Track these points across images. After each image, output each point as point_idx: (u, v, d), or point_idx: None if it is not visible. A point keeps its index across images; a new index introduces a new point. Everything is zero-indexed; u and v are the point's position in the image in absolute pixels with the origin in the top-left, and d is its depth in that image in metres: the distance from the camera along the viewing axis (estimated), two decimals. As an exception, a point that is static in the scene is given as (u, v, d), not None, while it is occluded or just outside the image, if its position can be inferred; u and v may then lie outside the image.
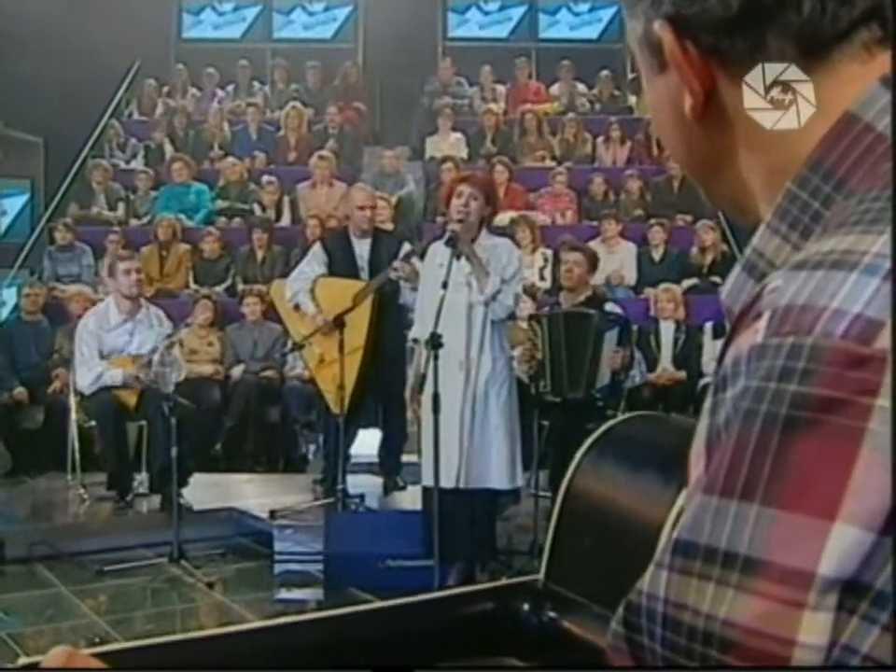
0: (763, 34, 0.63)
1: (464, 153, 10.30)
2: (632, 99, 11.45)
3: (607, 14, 12.96)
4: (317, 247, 6.22)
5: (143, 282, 6.18)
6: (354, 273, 6.01)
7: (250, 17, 13.01)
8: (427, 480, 4.45)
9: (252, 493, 6.60)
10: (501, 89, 11.68)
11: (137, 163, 10.46)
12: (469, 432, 4.64)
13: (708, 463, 0.56)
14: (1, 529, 5.84)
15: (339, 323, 5.58)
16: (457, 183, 4.84)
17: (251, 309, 7.64)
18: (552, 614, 0.88)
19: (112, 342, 6.09)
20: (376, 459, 6.39)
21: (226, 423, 7.33)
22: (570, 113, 11.00)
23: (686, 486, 0.64)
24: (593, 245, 8.48)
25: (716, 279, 8.21)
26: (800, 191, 0.62)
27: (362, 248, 6.07)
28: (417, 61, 11.91)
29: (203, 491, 6.18)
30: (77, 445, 6.51)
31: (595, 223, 9.15)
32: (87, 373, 6.06)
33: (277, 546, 5.37)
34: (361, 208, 6.09)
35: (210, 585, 5.04)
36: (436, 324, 4.22)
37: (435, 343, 4.21)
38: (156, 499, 6.04)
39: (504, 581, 0.99)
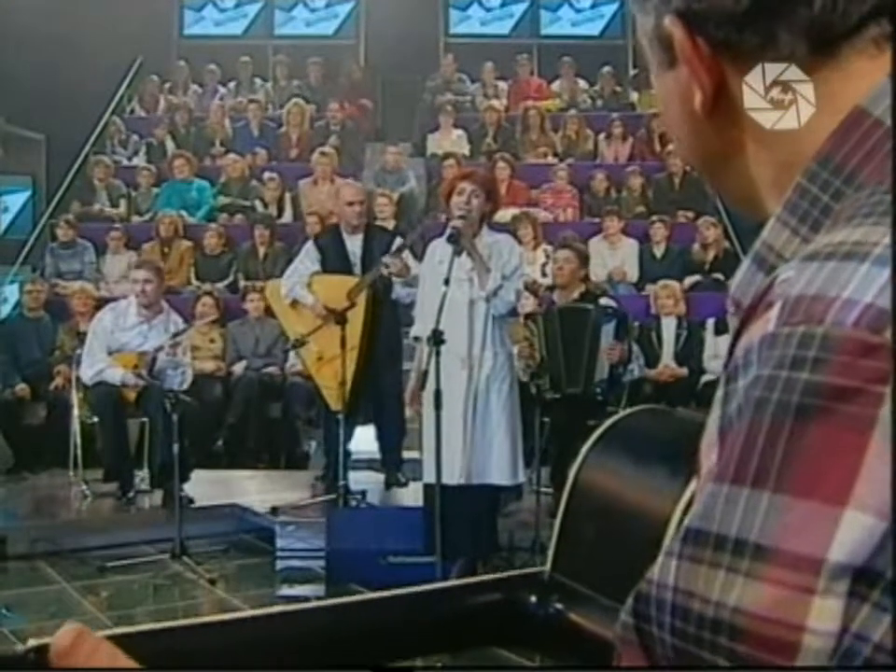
0: (774, 29, 0.63)
1: (466, 150, 10.30)
2: (634, 95, 11.45)
3: (608, 10, 12.96)
4: (310, 245, 6.23)
5: (157, 290, 6.19)
6: (346, 269, 6.03)
7: (252, 13, 13.01)
8: (430, 477, 4.45)
9: (254, 489, 6.61)
10: (503, 85, 11.68)
11: (139, 160, 10.46)
12: (470, 428, 4.64)
13: (721, 452, 0.56)
14: (3, 526, 5.85)
15: (340, 319, 5.58)
16: (458, 180, 4.84)
17: (254, 305, 7.64)
18: (558, 606, 0.88)
19: (124, 340, 6.12)
20: (378, 456, 6.40)
21: (228, 419, 7.34)
22: (572, 109, 11.00)
23: (693, 479, 0.64)
24: (594, 241, 8.53)
25: (718, 276, 8.21)
26: (810, 185, 0.62)
27: (354, 244, 6.08)
28: (419, 57, 11.90)
29: (204, 487, 6.19)
30: (79, 442, 6.51)
31: (596, 220, 9.15)
32: (90, 367, 6.11)
33: (279, 542, 5.37)
34: (350, 204, 6.11)
35: (212, 582, 5.04)
36: (437, 321, 4.22)
37: (437, 339, 4.21)
38: (158, 496, 6.05)
39: (510, 573, 0.99)
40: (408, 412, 6.33)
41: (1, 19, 9.86)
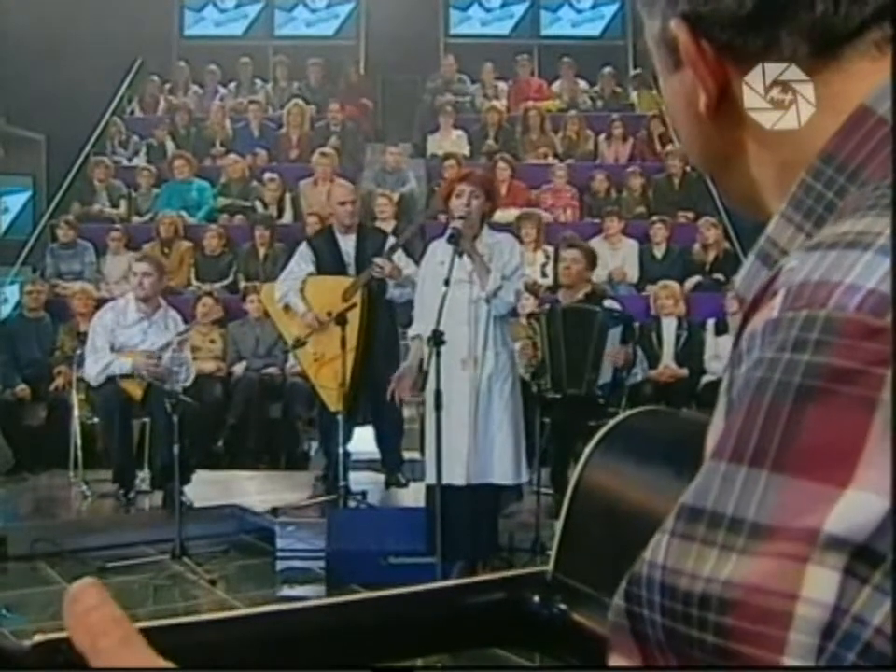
0: (777, 31, 0.65)
1: (466, 150, 10.31)
2: (634, 96, 11.46)
3: (609, 11, 12.97)
4: (304, 246, 6.23)
5: (156, 284, 6.19)
6: (341, 270, 6.04)
7: (252, 14, 13.02)
8: (432, 477, 4.44)
9: (254, 490, 6.61)
10: (503, 86, 11.69)
11: (139, 160, 10.46)
12: (472, 428, 4.65)
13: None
14: (3, 526, 5.85)
15: (341, 320, 5.58)
16: (457, 182, 4.84)
17: (254, 306, 7.64)
18: (562, 606, 0.88)
19: (125, 337, 6.12)
20: (378, 456, 6.40)
21: (228, 420, 7.34)
22: (572, 110, 11.00)
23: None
24: (595, 242, 8.51)
25: (718, 276, 8.21)
26: (814, 182, 0.63)
27: (347, 244, 6.09)
28: (419, 58, 11.91)
29: (205, 488, 6.19)
30: (79, 442, 6.52)
31: (597, 220, 9.15)
32: (95, 364, 6.07)
33: (279, 543, 5.37)
34: (342, 203, 6.12)
35: (212, 582, 5.04)
36: (438, 321, 4.22)
37: (437, 339, 4.21)
38: (158, 496, 6.05)
39: (512, 572, 0.99)
40: (406, 412, 6.34)
41: (1, 19, 9.87)
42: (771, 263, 0.64)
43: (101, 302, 7.27)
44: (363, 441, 6.30)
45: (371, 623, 0.88)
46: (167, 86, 11.74)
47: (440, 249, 4.75)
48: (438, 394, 4.23)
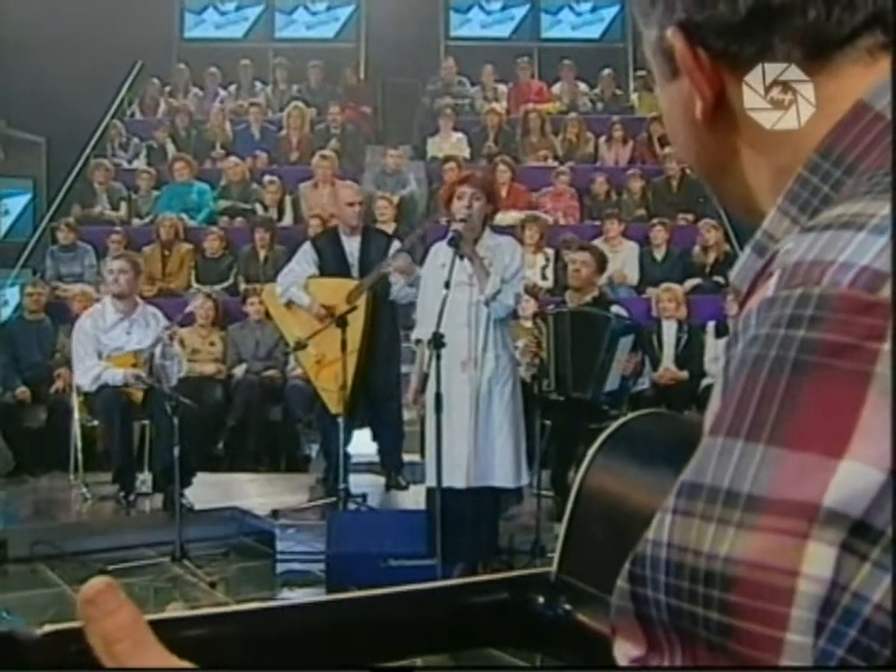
0: (770, 38, 0.66)
1: (466, 153, 10.31)
2: (634, 98, 11.46)
3: (609, 14, 12.98)
4: (307, 246, 6.21)
5: (132, 281, 6.19)
6: (344, 272, 6.02)
7: (252, 16, 13.03)
8: (432, 480, 4.44)
9: (254, 492, 6.60)
10: (503, 88, 11.70)
11: (139, 163, 10.46)
12: (472, 431, 4.65)
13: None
14: (3, 528, 5.85)
15: (341, 322, 5.58)
16: (457, 185, 4.85)
17: (254, 308, 7.64)
18: (567, 606, 0.89)
19: (111, 340, 6.12)
20: (378, 458, 6.39)
21: (228, 422, 7.34)
22: (572, 113, 11.01)
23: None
24: (595, 244, 8.51)
25: (718, 279, 8.21)
26: (811, 176, 0.64)
27: (352, 246, 6.08)
28: (419, 60, 11.92)
29: (205, 490, 6.18)
30: (79, 444, 6.52)
31: (597, 223, 9.16)
32: (84, 374, 6.10)
33: (279, 545, 5.38)
34: (350, 204, 6.10)
35: (212, 585, 5.05)
36: (438, 324, 4.22)
37: (437, 342, 4.21)
38: (158, 499, 6.05)
39: (516, 573, 0.99)
40: (407, 414, 6.34)
41: (1, 21, 9.87)
42: (767, 256, 0.65)
43: (101, 304, 7.27)
44: (363, 443, 6.29)
45: (375, 621, 0.88)
46: (167, 88, 11.74)
47: (441, 252, 4.75)
48: (438, 396, 4.23)
